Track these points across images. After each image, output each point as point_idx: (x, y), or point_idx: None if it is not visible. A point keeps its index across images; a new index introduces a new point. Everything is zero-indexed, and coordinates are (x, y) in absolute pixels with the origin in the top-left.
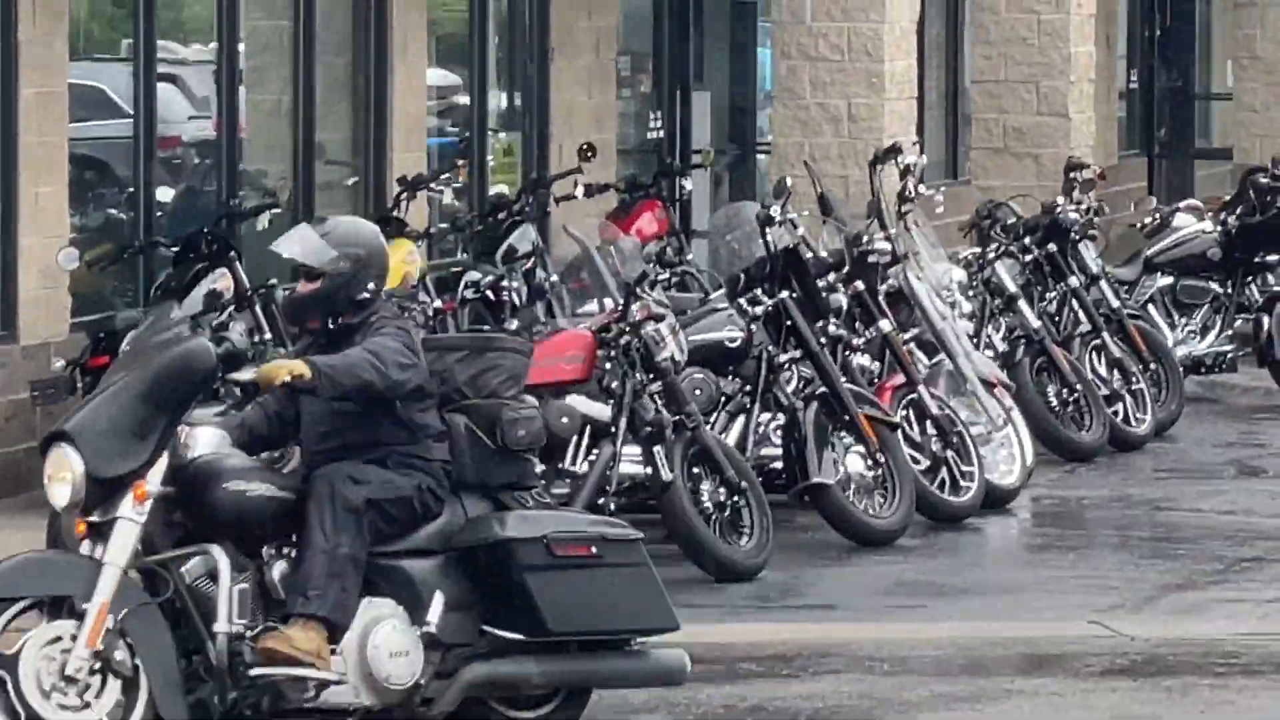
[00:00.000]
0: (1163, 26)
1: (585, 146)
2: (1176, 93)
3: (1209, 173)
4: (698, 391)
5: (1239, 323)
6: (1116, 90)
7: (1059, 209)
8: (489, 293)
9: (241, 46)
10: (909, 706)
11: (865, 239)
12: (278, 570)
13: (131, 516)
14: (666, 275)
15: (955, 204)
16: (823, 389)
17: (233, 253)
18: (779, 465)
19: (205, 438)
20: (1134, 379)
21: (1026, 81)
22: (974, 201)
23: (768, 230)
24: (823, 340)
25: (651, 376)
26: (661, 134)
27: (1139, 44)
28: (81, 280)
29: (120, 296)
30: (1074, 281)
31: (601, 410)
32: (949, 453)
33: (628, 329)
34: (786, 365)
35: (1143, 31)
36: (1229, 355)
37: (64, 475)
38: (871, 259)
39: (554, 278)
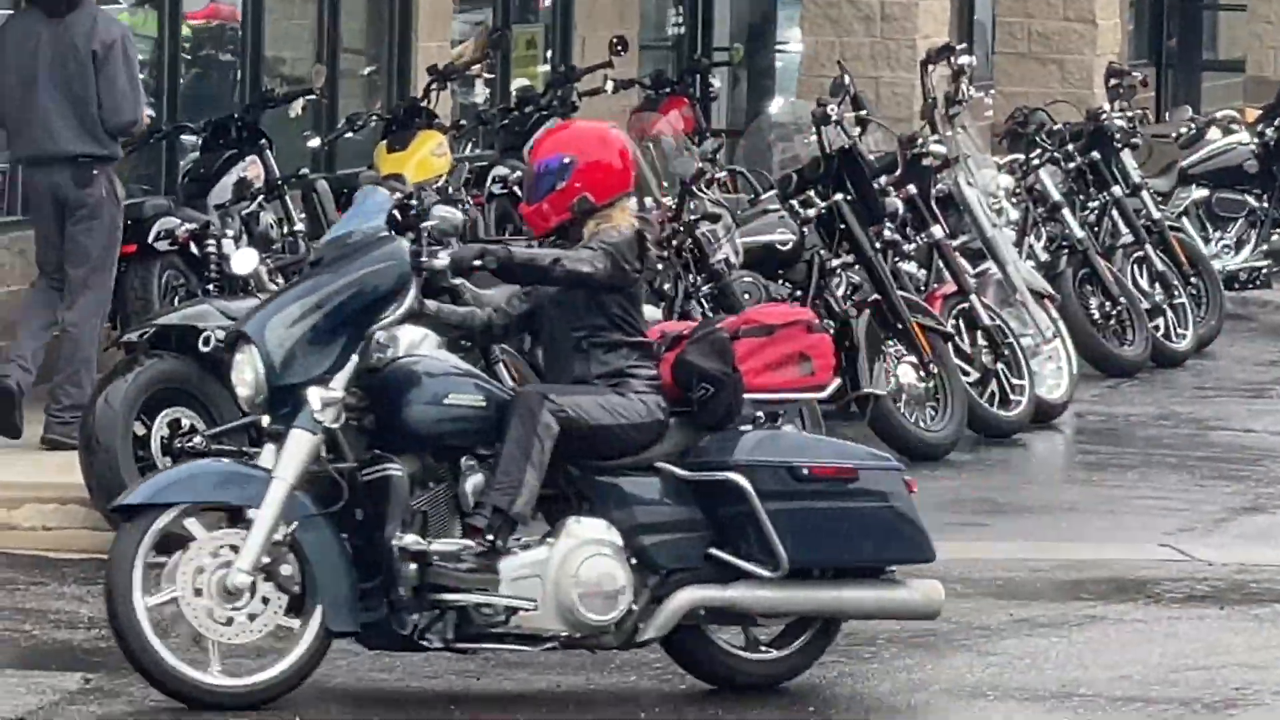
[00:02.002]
0: None
1: (616, 40)
2: (1186, 2)
3: (1215, 84)
4: (747, 295)
5: (1275, 237)
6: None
7: (1104, 115)
8: (516, 188)
9: None
10: (990, 632)
11: (919, 141)
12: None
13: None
14: (724, 174)
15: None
16: (875, 296)
17: (263, 140)
18: None
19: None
20: (1176, 292)
21: None
22: (992, 108)
23: (823, 130)
24: (877, 245)
25: (704, 278)
26: (682, 30)
27: None
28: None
29: (144, 184)
30: (1117, 191)
31: (652, 313)
32: (999, 365)
33: (682, 229)
34: (838, 270)
35: None
36: (1263, 271)
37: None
38: (925, 162)
39: None
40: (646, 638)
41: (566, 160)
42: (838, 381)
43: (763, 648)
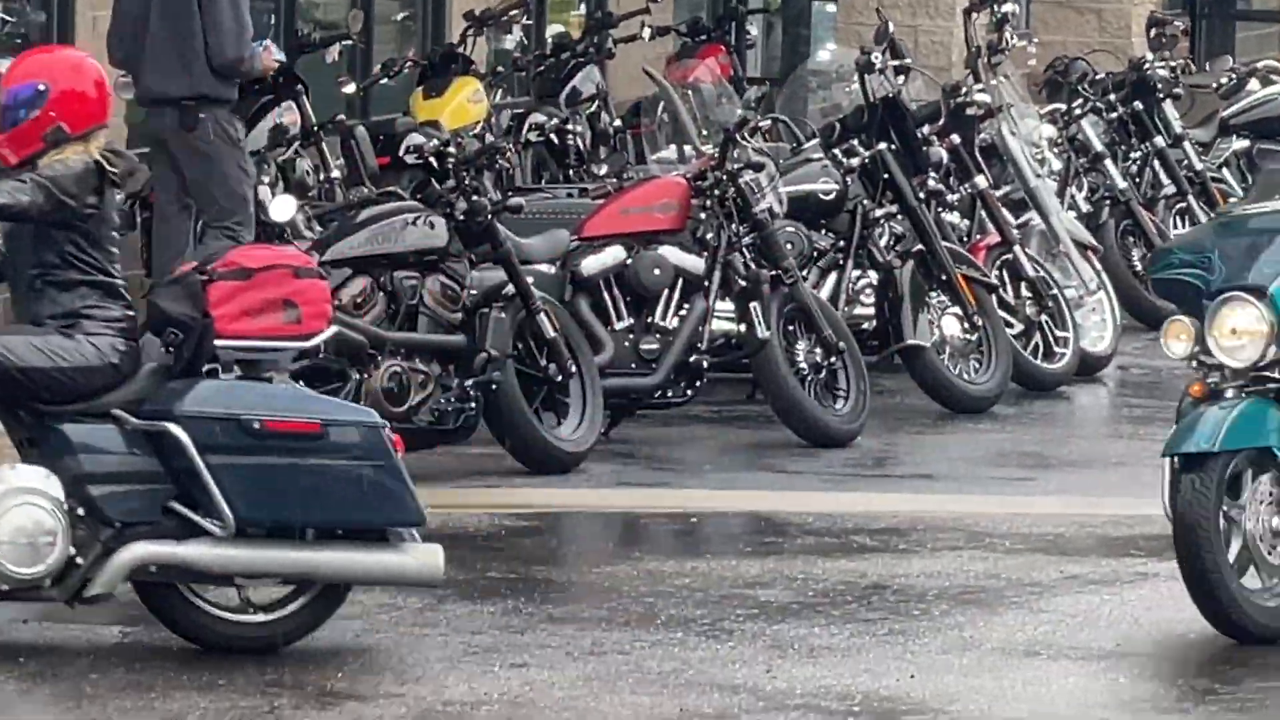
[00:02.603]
0: None
1: None
2: None
3: (1249, 34)
4: (789, 245)
5: None
6: None
7: (1147, 65)
8: (553, 136)
9: None
10: (1042, 589)
11: (963, 90)
12: None
13: None
14: (767, 123)
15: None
16: (919, 246)
17: (299, 86)
18: (869, 326)
19: None
20: None
21: None
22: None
23: (867, 78)
24: (921, 195)
25: (747, 228)
26: None
27: None
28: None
29: None
30: (1159, 141)
31: (695, 263)
32: (1043, 317)
33: (725, 177)
34: (881, 221)
35: None
36: None
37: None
38: (969, 112)
39: (617, 122)
40: (94, 592)
41: (40, 88)
42: (329, 332)
43: (251, 609)
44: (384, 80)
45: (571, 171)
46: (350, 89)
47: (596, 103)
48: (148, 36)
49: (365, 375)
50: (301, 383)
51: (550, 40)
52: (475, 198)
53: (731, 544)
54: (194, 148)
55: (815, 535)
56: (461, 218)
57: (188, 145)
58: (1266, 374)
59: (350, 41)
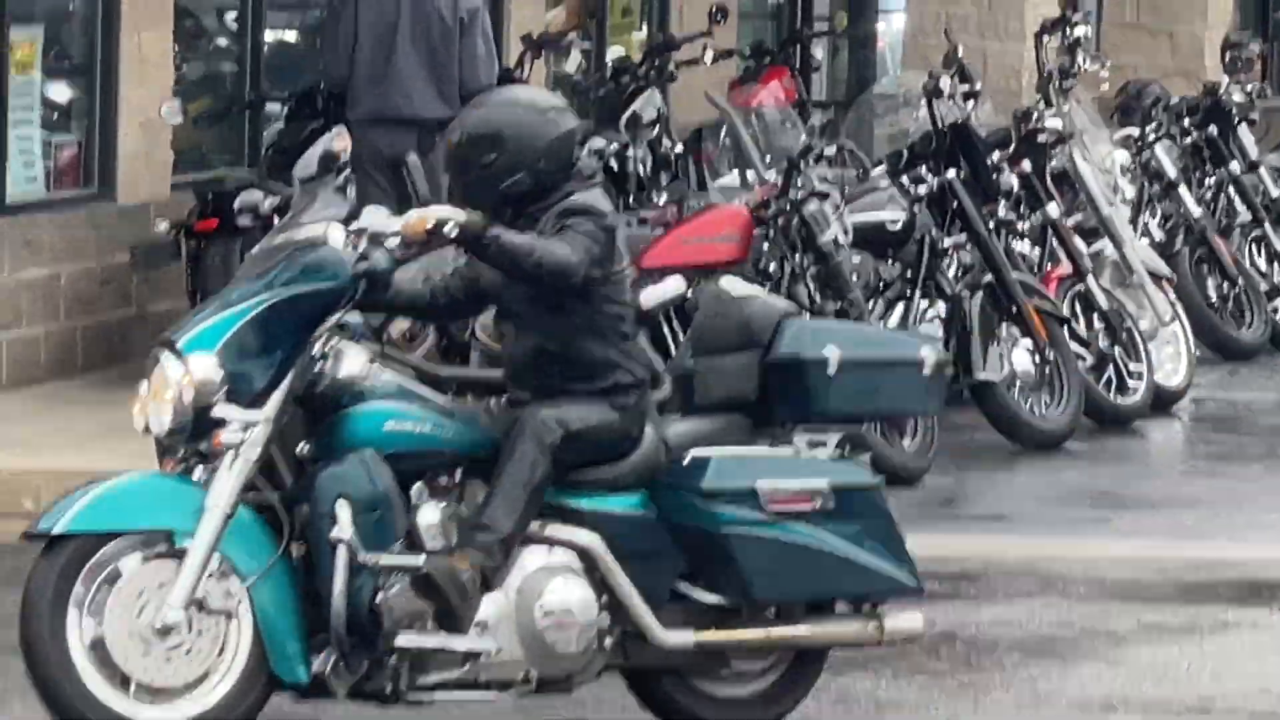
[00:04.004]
0: None
1: (716, 8)
2: None
3: None
4: (855, 276)
5: None
6: None
7: (1222, 89)
8: (613, 162)
9: None
10: (1118, 639)
11: (1034, 116)
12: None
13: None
14: (833, 149)
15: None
16: (989, 277)
17: None
18: None
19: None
20: None
21: None
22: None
23: (935, 103)
24: (990, 224)
25: (812, 259)
26: None
27: None
28: (185, 136)
29: (226, 154)
30: (1235, 168)
31: (758, 293)
32: (1116, 349)
33: (789, 207)
34: (950, 250)
35: None
36: None
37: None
38: (1041, 138)
39: (679, 147)
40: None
41: None
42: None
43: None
44: None
45: (632, 198)
46: None
47: (658, 127)
48: (397, 58)
49: None
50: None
51: (610, 63)
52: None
53: None
54: (431, 167)
55: None
56: None
57: (426, 166)
58: None
59: None
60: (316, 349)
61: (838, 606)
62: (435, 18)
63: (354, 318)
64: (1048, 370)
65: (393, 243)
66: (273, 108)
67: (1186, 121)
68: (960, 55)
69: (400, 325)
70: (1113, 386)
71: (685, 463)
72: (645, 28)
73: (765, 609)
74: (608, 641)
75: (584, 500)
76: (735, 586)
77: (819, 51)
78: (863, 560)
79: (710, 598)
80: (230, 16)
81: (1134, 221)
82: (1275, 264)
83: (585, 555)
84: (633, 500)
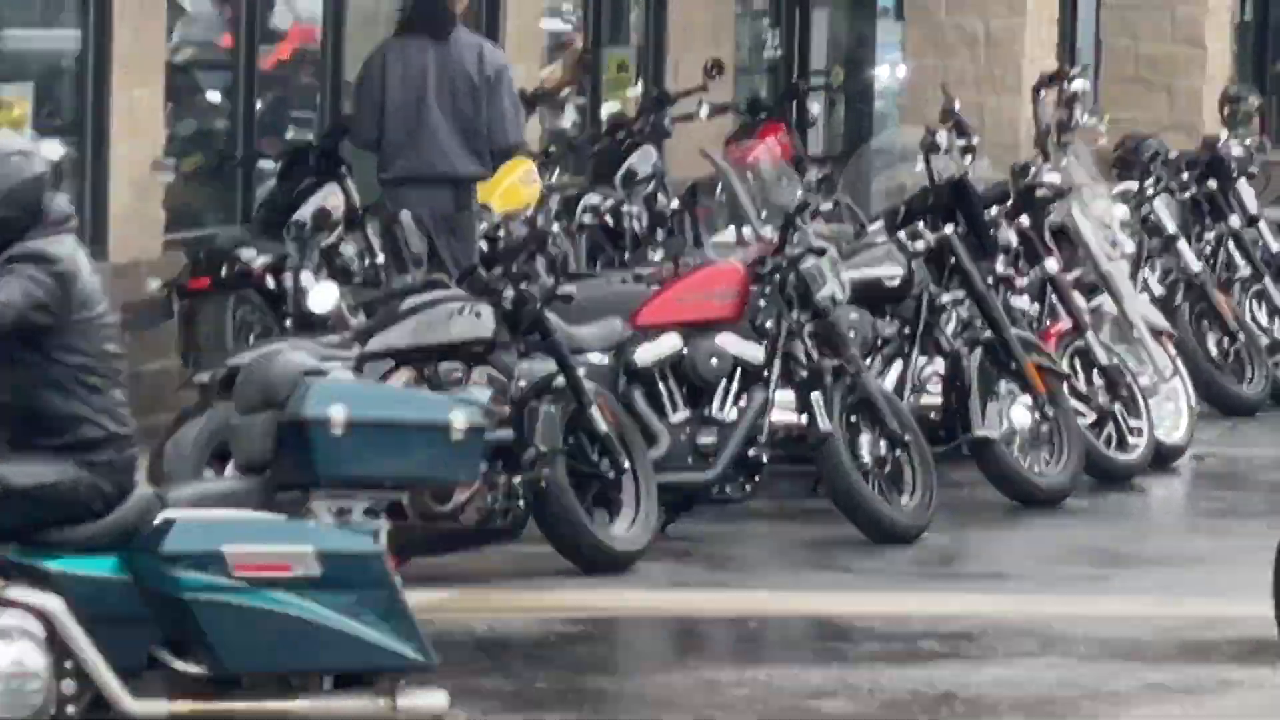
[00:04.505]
0: None
1: (711, 63)
2: None
3: None
4: (853, 333)
5: None
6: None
7: (1221, 143)
8: (608, 218)
9: None
10: (1120, 699)
11: (1032, 171)
12: None
13: None
14: (829, 205)
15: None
16: (988, 333)
17: (343, 168)
18: (935, 416)
19: None
20: None
21: (1161, 7)
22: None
23: (932, 158)
24: (989, 280)
25: (809, 316)
26: (779, 52)
27: None
28: (177, 194)
29: (219, 212)
30: (1235, 222)
31: (754, 352)
32: (1116, 406)
33: (785, 263)
34: (948, 306)
35: None
36: None
37: None
38: (1039, 193)
39: (675, 203)
40: None
41: None
42: None
43: None
44: None
45: (627, 255)
46: None
47: (653, 184)
48: (428, 116)
49: None
50: None
51: (605, 119)
52: (524, 285)
53: (793, 650)
54: (460, 222)
55: (881, 640)
56: (509, 306)
57: (456, 221)
58: None
59: None
60: None
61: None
62: (462, 77)
63: None
64: (1047, 427)
65: None
66: (266, 165)
67: (1186, 176)
68: (957, 110)
69: (393, 383)
70: (1113, 443)
71: (156, 525)
72: (640, 83)
73: (238, 679)
74: (71, 709)
75: (52, 562)
76: (206, 654)
77: (815, 106)
78: (356, 631)
79: (189, 667)
80: (222, 74)
81: (1133, 276)
82: (1276, 319)
83: (45, 618)
84: (106, 563)
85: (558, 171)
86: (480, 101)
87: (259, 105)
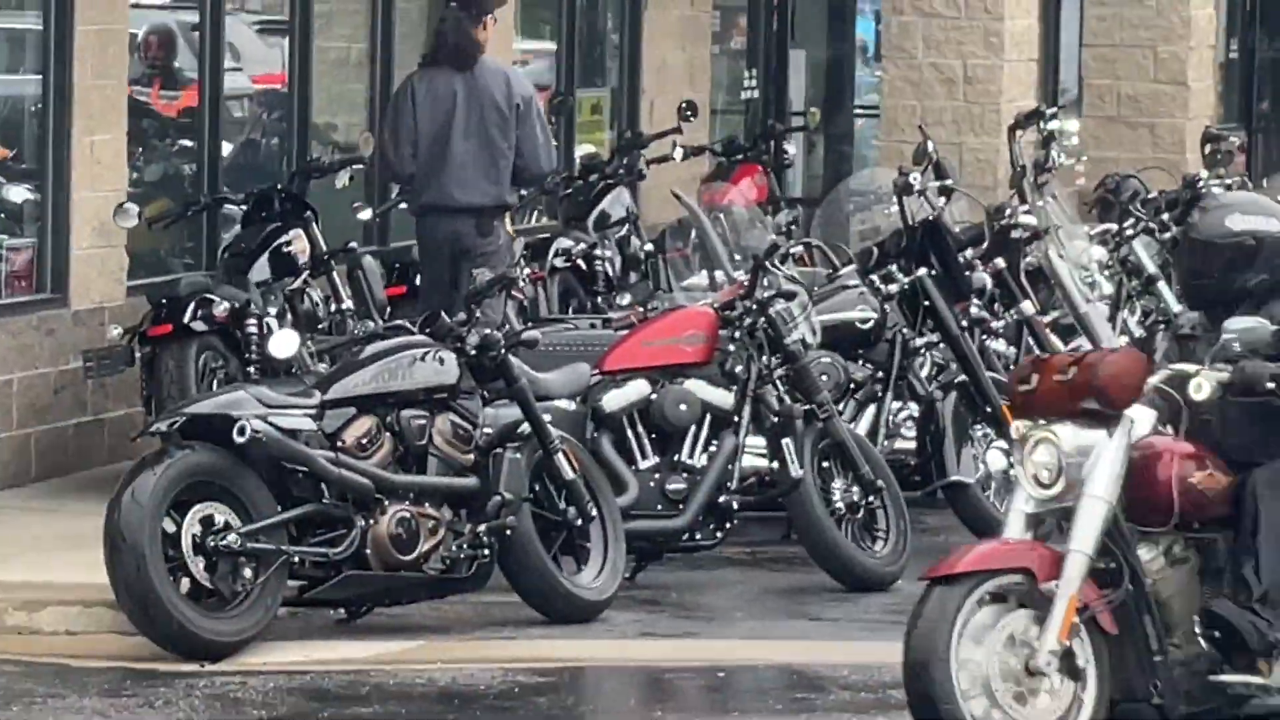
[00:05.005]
0: None
1: (685, 105)
2: (1277, 63)
3: None
4: (825, 377)
5: None
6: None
7: (1202, 182)
8: (580, 262)
9: None
10: None
11: (1008, 212)
12: None
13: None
14: (801, 248)
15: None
16: (962, 377)
17: (309, 212)
18: (910, 461)
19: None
20: None
21: (1143, 46)
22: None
23: (905, 200)
24: (964, 323)
25: (779, 360)
26: (756, 94)
27: (1239, 12)
28: (140, 239)
29: (182, 258)
30: None
31: (723, 397)
32: None
33: (754, 307)
34: (922, 350)
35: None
36: None
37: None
38: (1015, 234)
39: (648, 247)
40: None
41: None
42: None
43: None
44: (402, 205)
45: (600, 299)
46: (366, 215)
47: (627, 226)
48: (452, 146)
49: (371, 521)
50: None
51: (579, 161)
52: (488, 331)
53: (763, 701)
54: (485, 251)
55: (852, 690)
56: (473, 352)
57: (479, 249)
58: None
59: (362, 165)
60: None
61: None
62: (490, 106)
63: None
64: None
65: None
66: (231, 209)
67: (1166, 216)
68: (932, 150)
69: (356, 431)
70: None
71: None
72: (614, 125)
73: None
74: None
75: None
76: None
77: (792, 147)
78: None
79: None
80: (186, 117)
81: (1112, 318)
82: None
83: None
84: None
85: (529, 214)
86: (509, 130)
87: (224, 148)
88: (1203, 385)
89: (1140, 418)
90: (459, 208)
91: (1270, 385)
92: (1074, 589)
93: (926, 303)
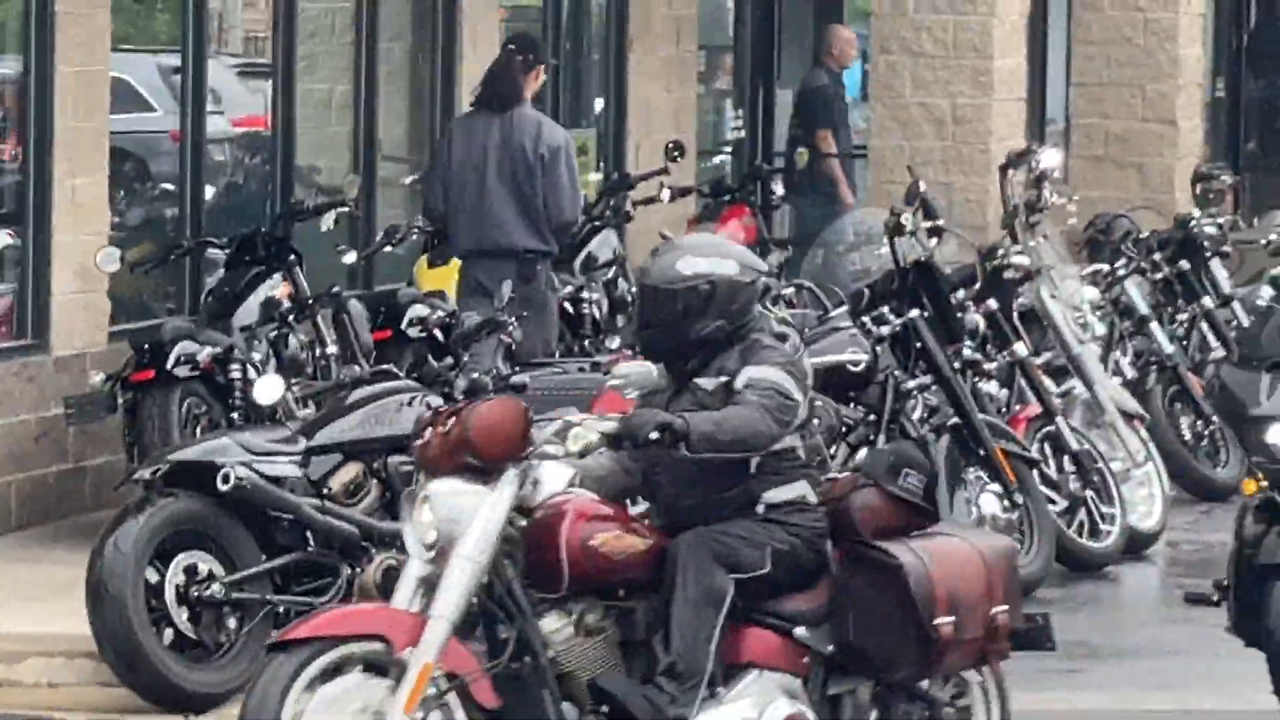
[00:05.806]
0: (1249, 31)
1: (672, 145)
2: (1265, 102)
3: None
4: (816, 420)
5: None
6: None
7: (1193, 221)
8: (567, 305)
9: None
10: None
11: (1000, 252)
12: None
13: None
14: (791, 289)
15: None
16: (955, 419)
17: (292, 256)
18: None
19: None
20: None
21: (1131, 84)
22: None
23: (896, 241)
24: (956, 365)
25: None
26: (742, 134)
27: (1226, 50)
28: (122, 284)
29: (165, 303)
30: (1208, 302)
31: None
32: (1088, 492)
33: None
34: (914, 392)
35: (1229, 38)
36: None
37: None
38: (1007, 275)
39: (635, 289)
40: None
41: None
42: None
43: None
44: (387, 248)
45: (587, 342)
46: (350, 258)
47: (614, 269)
48: (487, 190)
49: (358, 569)
50: None
51: None
52: (476, 375)
53: None
54: (529, 297)
55: None
56: (461, 397)
57: (524, 294)
58: None
59: (347, 209)
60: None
61: None
62: (519, 154)
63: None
64: (1017, 515)
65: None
66: (214, 253)
67: (1158, 256)
68: (923, 190)
69: (342, 478)
70: (1085, 530)
71: None
72: (601, 167)
73: None
74: None
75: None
76: None
77: (779, 188)
78: None
79: None
80: (169, 161)
81: (1104, 359)
82: None
83: None
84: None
85: None
86: (535, 178)
87: (207, 192)
88: (580, 435)
89: (545, 474)
90: (499, 250)
91: (654, 435)
92: (430, 657)
93: (919, 344)
